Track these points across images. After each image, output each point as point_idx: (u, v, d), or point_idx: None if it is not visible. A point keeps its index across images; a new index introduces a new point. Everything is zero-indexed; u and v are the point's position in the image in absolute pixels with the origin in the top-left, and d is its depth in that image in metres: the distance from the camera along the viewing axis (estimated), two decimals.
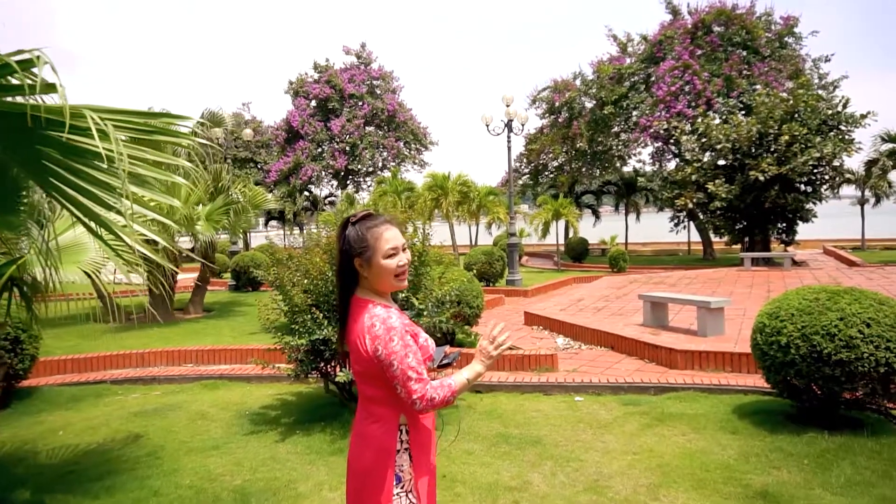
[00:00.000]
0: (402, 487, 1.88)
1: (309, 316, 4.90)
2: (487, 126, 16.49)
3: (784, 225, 19.11)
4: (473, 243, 28.78)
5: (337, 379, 5.10)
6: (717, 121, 19.45)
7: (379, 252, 1.86)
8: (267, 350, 5.93)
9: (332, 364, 5.18)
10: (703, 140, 18.72)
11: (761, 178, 16.97)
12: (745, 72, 21.18)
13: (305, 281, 5.14)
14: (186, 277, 15.56)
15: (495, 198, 20.80)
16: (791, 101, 17.72)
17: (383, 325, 1.81)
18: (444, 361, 2.03)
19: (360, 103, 32.40)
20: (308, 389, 6.31)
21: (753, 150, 17.87)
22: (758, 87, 20.17)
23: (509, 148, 16.28)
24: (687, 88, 20.67)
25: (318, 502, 3.77)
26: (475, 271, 11.70)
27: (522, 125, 16.35)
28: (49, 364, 7.48)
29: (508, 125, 16.09)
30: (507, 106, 15.83)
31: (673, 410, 5.19)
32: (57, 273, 3.37)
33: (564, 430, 4.88)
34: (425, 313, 5.21)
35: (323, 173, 33.64)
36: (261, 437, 4.97)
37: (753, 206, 18.21)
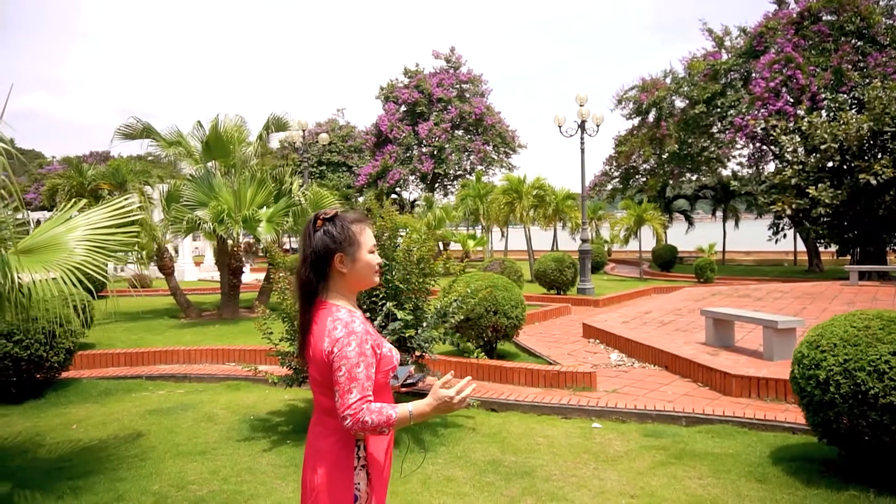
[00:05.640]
0: None
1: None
2: (560, 127, 15.83)
3: None
4: (553, 248, 27.92)
5: None
6: (824, 118, 17.51)
7: (364, 247, 1.85)
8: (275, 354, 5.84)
9: None
10: (806, 140, 16.93)
11: (874, 182, 15.06)
12: (858, 63, 18.96)
13: None
14: (258, 277, 16.16)
15: (573, 202, 19.95)
16: None
17: (345, 328, 1.76)
18: (409, 381, 1.92)
19: (448, 107, 32.44)
20: None
21: (866, 151, 15.92)
22: (876, 80, 17.98)
23: (582, 150, 15.51)
24: (789, 84, 18.80)
25: None
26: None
27: (598, 126, 15.54)
28: (102, 357, 7.87)
29: (582, 126, 15.35)
30: (581, 106, 15.11)
31: (698, 447, 4.52)
32: (12, 272, 3.38)
33: (565, 461, 4.38)
34: (424, 324, 4.88)
35: (410, 177, 34.01)
36: (251, 445, 4.86)
37: (865, 214, 16.21)
